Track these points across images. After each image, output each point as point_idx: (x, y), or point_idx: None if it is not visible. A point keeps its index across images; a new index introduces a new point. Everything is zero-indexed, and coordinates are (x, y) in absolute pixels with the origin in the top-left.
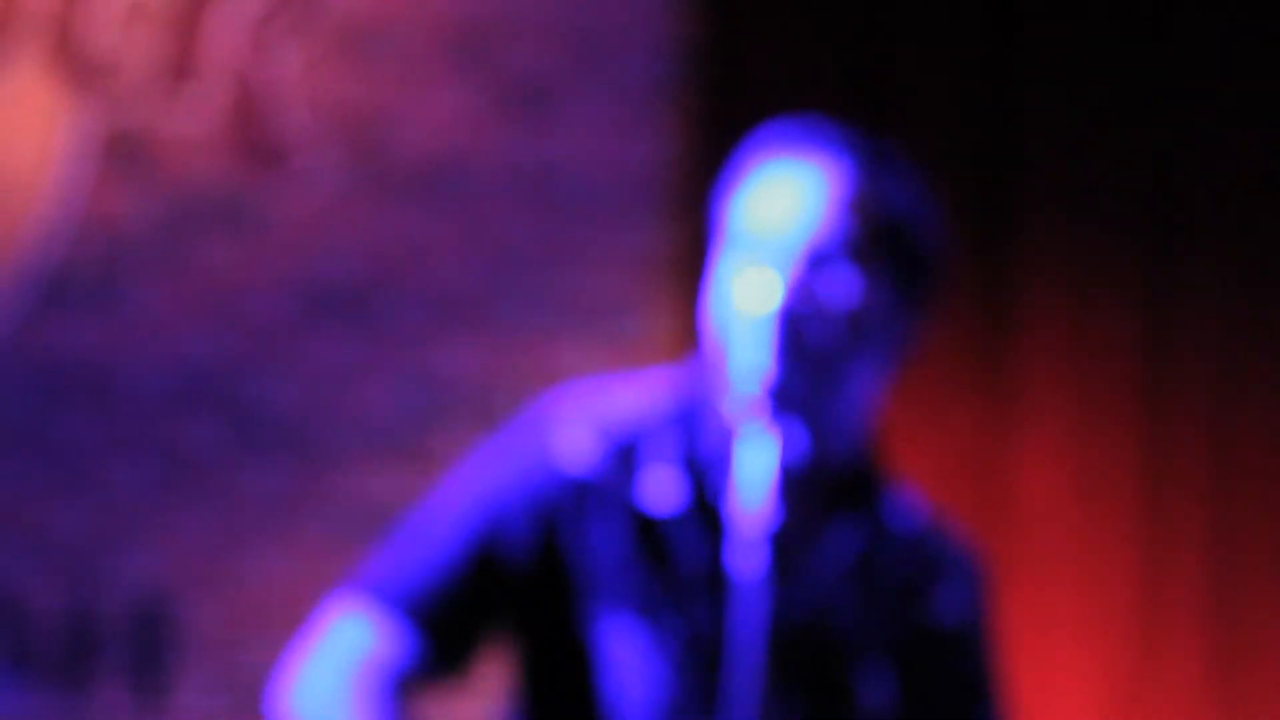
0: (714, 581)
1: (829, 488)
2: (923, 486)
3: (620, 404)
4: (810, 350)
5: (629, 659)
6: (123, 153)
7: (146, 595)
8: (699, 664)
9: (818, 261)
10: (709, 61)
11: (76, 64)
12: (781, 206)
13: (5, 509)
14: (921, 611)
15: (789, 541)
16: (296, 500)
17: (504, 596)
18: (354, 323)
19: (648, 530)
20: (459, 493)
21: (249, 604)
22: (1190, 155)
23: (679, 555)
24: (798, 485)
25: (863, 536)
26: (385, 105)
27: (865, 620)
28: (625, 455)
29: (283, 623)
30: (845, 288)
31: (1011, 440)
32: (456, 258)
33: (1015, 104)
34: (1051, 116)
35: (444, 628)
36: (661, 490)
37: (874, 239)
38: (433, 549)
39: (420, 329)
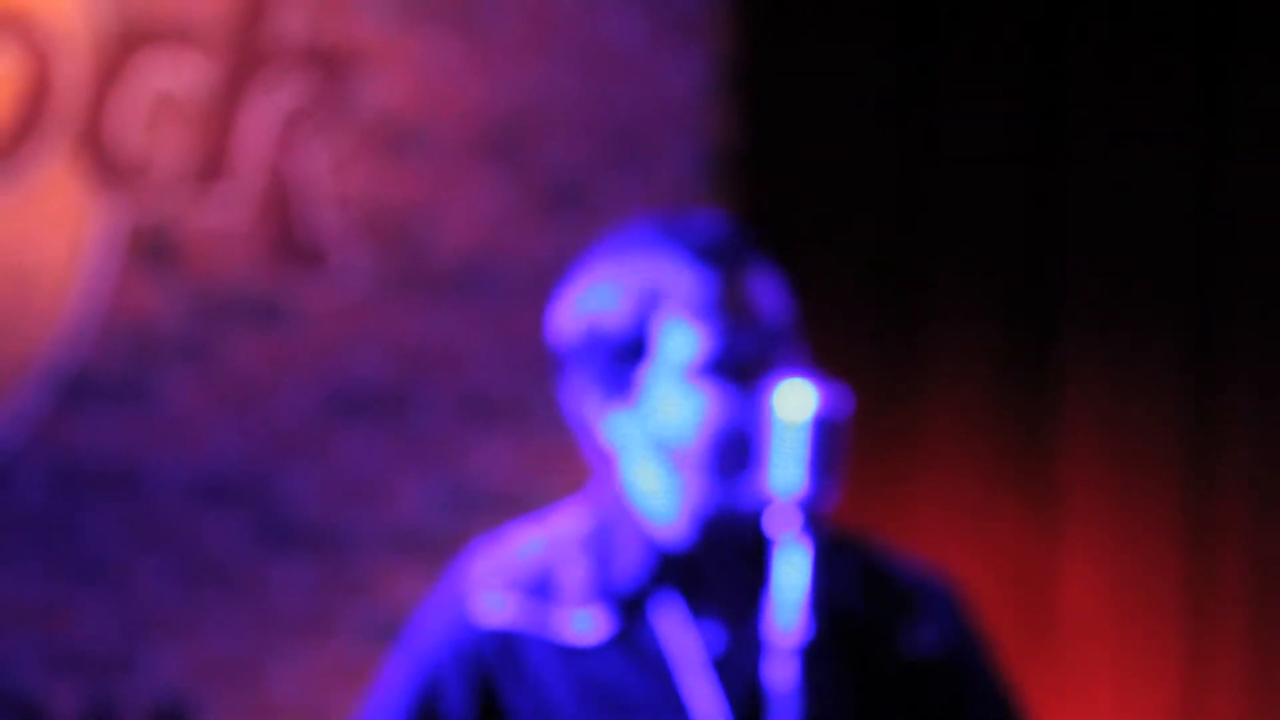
0: (658, 705)
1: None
2: (966, 592)
3: (524, 549)
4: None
5: None
6: (151, 249)
7: (168, 697)
8: None
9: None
10: (746, 160)
11: (105, 160)
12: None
13: (26, 608)
14: (893, 649)
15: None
16: (323, 601)
17: None
18: (384, 422)
19: (580, 665)
20: (390, 683)
21: (273, 706)
22: (1232, 257)
23: (617, 684)
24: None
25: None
26: (418, 203)
27: (834, 675)
28: (541, 596)
29: None
30: (771, 295)
31: (1053, 549)
32: (489, 358)
33: (1058, 209)
34: (1095, 217)
35: None
36: (584, 622)
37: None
38: None
39: (451, 429)
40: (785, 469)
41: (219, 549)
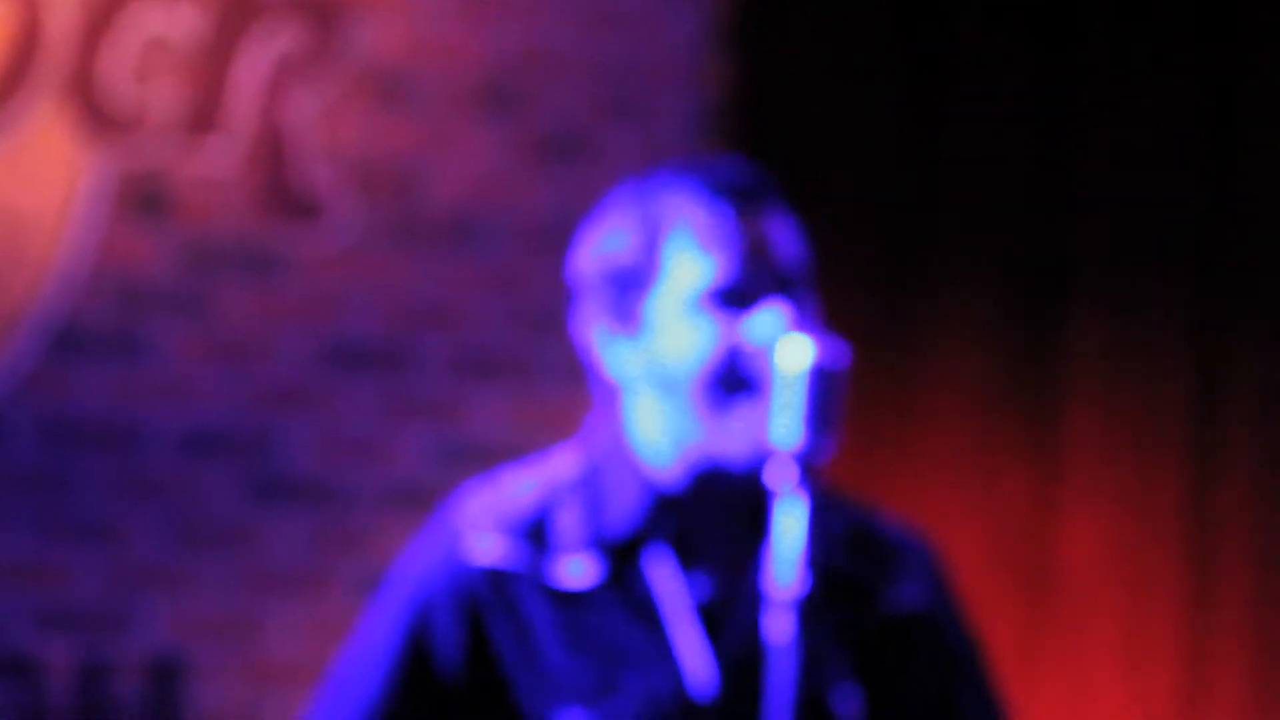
0: (646, 653)
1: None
2: (968, 554)
3: (517, 492)
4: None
5: None
6: (142, 200)
7: (162, 653)
8: None
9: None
10: (743, 109)
11: (96, 109)
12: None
13: (18, 564)
14: (876, 607)
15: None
16: (317, 556)
17: (444, 704)
18: (379, 375)
19: (569, 610)
20: (379, 618)
21: (267, 661)
22: (1239, 226)
23: (605, 631)
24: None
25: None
26: (413, 153)
27: (825, 629)
28: (533, 539)
29: (301, 680)
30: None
31: (1054, 511)
32: (485, 311)
33: (1065, 171)
34: (1102, 182)
35: None
36: (575, 567)
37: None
38: (365, 679)
39: (447, 383)
40: (783, 420)
41: (212, 503)
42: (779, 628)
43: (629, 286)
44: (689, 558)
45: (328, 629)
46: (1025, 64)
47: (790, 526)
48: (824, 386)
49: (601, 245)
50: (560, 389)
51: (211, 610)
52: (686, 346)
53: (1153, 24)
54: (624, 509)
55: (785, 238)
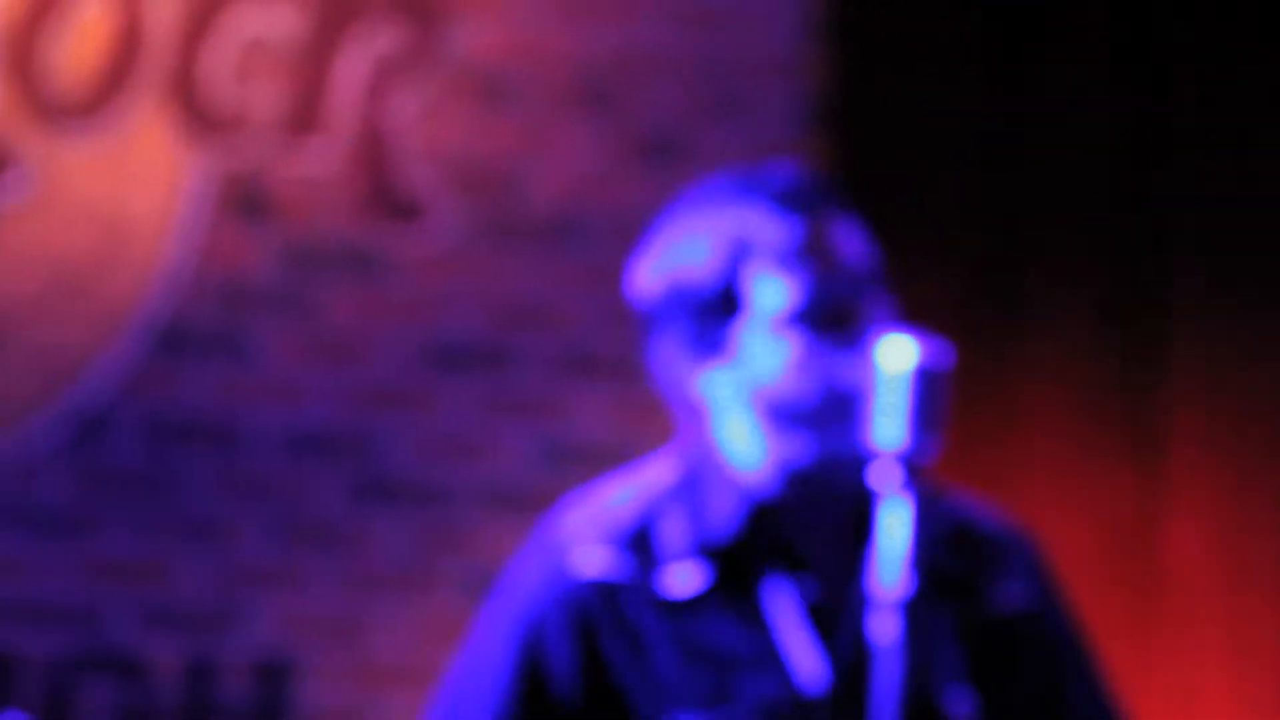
0: (757, 658)
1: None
2: (1072, 553)
3: (617, 502)
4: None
5: None
6: (244, 201)
7: (268, 654)
8: None
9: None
10: (843, 105)
11: (197, 110)
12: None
13: (124, 562)
14: (983, 606)
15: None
16: (421, 557)
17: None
18: (481, 375)
19: (677, 619)
20: (488, 636)
21: (372, 662)
22: None
23: (715, 638)
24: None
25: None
26: (512, 153)
27: (936, 629)
28: (637, 550)
29: (405, 680)
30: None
31: (1158, 506)
32: (585, 311)
33: (1163, 157)
34: (1205, 164)
35: None
36: (681, 576)
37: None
38: (478, 699)
39: (548, 383)
40: (886, 422)
41: (316, 503)
42: (885, 629)
43: (712, 314)
44: (793, 562)
45: (432, 629)
46: (1118, 52)
47: (895, 528)
48: (927, 387)
49: (674, 267)
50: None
51: (317, 610)
52: (776, 368)
53: (1246, 5)
54: (724, 516)
55: (855, 243)
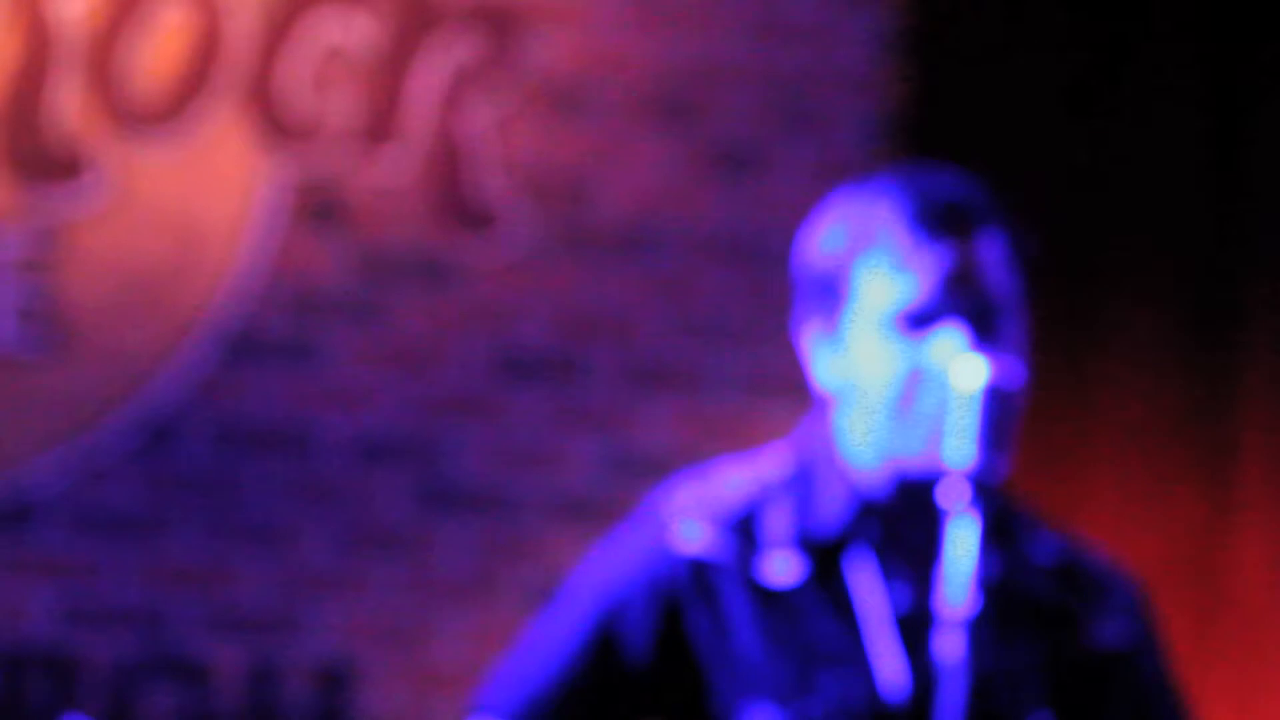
0: (842, 655)
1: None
2: (1142, 578)
3: (729, 485)
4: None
5: None
6: (318, 208)
7: (331, 659)
8: None
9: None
10: (919, 119)
11: (273, 117)
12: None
13: (190, 566)
14: (1077, 639)
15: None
16: (486, 565)
17: (628, 690)
18: (550, 385)
19: (769, 606)
20: (574, 595)
21: (435, 669)
22: None
23: (804, 629)
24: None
25: (1004, 568)
26: (585, 164)
27: (1026, 655)
28: (741, 534)
29: (468, 688)
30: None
31: (1228, 531)
32: (656, 322)
33: (1244, 184)
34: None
35: None
36: (780, 564)
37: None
38: (550, 654)
39: (618, 393)
40: (957, 440)
41: (383, 510)
42: (950, 647)
43: (828, 295)
44: (890, 564)
45: (495, 638)
46: (1199, 68)
47: (963, 546)
48: (998, 407)
49: (813, 246)
50: (729, 400)
51: (381, 617)
52: (875, 364)
53: None
54: (831, 511)
55: (994, 261)
